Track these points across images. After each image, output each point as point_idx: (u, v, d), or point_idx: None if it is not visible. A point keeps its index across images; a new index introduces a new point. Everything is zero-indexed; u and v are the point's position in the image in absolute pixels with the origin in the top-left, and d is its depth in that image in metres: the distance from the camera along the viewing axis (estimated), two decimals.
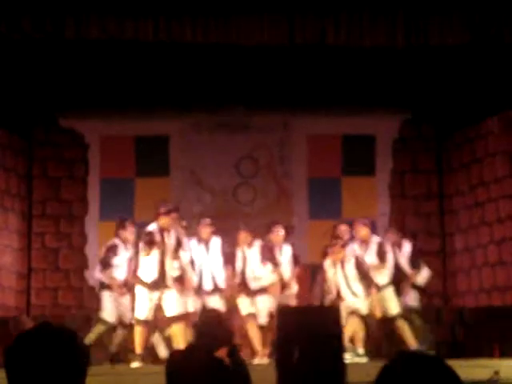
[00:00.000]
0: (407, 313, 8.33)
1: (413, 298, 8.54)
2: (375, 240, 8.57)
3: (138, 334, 7.79)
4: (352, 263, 8.29)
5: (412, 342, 8.07)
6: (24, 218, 10.02)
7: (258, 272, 8.29)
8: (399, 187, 10.40)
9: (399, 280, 8.47)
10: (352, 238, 8.61)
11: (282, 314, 5.85)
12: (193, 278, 8.11)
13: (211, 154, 10.31)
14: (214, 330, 5.10)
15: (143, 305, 7.81)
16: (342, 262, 8.29)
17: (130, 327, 8.03)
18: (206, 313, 5.98)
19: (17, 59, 8.96)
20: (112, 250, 8.29)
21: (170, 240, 7.96)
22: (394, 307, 8.22)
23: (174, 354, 4.90)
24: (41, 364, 1.85)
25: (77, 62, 9.24)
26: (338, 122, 10.32)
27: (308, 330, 5.64)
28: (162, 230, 7.95)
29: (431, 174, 10.37)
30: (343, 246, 8.36)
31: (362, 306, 8.14)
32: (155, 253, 7.83)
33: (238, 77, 9.57)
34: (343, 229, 8.73)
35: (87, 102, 9.95)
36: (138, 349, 7.81)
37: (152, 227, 7.98)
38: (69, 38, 7.94)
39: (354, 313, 8.12)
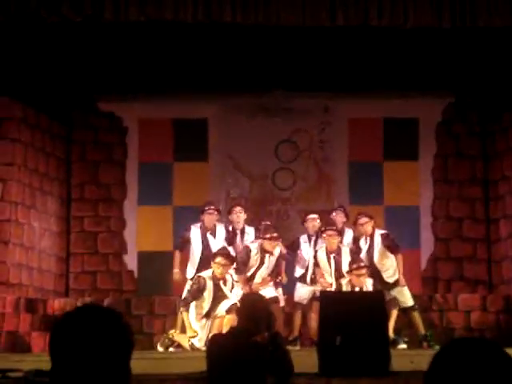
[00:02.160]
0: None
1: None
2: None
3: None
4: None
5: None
6: (63, 202, 10.02)
7: None
8: (443, 172, 10.18)
9: None
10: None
11: (325, 299, 5.73)
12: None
13: (250, 137, 10.19)
14: (257, 313, 4.99)
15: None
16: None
17: None
18: (249, 297, 5.88)
19: (55, 43, 8.93)
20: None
21: None
22: None
23: (215, 338, 4.81)
24: (85, 344, 1.80)
25: (115, 45, 9.18)
26: (380, 105, 10.12)
27: (351, 316, 5.52)
28: None
29: (476, 159, 10.13)
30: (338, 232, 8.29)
31: None
32: None
33: (278, 59, 9.43)
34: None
35: (126, 86, 9.89)
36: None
37: None
38: (107, 21, 7.88)
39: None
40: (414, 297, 8.61)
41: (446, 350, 1.82)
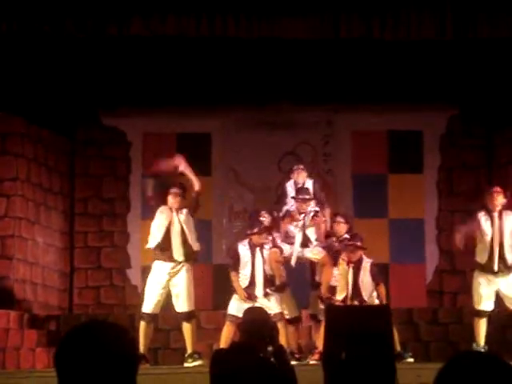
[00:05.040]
0: None
1: None
2: None
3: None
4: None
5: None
6: (66, 217, 10.01)
7: None
8: (447, 184, 10.17)
9: None
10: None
11: (331, 312, 5.70)
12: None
13: (253, 151, 10.19)
14: (260, 328, 4.96)
15: None
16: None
17: None
18: (251, 311, 5.84)
19: (58, 58, 8.96)
20: None
21: None
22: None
23: (219, 354, 4.78)
24: (91, 360, 1.80)
25: (118, 60, 9.21)
26: (384, 118, 10.11)
27: (357, 330, 5.48)
28: None
29: (480, 171, 10.11)
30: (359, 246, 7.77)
31: None
32: None
33: (281, 72, 9.44)
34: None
35: (129, 100, 9.91)
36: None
37: None
38: (111, 36, 7.91)
39: None
40: (420, 310, 8.55)
41: (452, 363, 1.83)
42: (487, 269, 7.81)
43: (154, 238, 7.82)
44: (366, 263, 7.80)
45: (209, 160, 10.31)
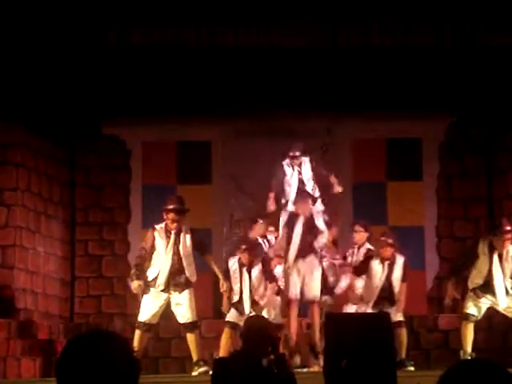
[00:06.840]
0: None
1: None
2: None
3: None
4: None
5: None
6: (67, 226, 10.03)
7: None
8: (447, 192, 10.19)
9: None
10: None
11: (331, 320, 5.71)
12: None
13: (253, 159, 10.21)
14: (261, 336, 4.97)
15: None
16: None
17: None
18: (252, 319, 5.86)
19: (59, 67, 8.99)
20: None
21: None
22: None
23: (220, 362, 4.79)
24: (93, 370, 1.80)
25: (118, 69, 9.24)
26: (383, 126, 10.14)
27: (357, 338, 5.49)
28: None
29: (480, 178, 10.13)
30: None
31: None
32: None
33: (281, 81, 9.47)
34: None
35: (129, 109, 9.93)
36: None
37: None
38: (110, 45, 7.95)
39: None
40: (420, 317, 8.54)
41: (453, 371, 1.83)
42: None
43: None
44: (400, 260, 7.89)
45: (209, 168, 10.34)
